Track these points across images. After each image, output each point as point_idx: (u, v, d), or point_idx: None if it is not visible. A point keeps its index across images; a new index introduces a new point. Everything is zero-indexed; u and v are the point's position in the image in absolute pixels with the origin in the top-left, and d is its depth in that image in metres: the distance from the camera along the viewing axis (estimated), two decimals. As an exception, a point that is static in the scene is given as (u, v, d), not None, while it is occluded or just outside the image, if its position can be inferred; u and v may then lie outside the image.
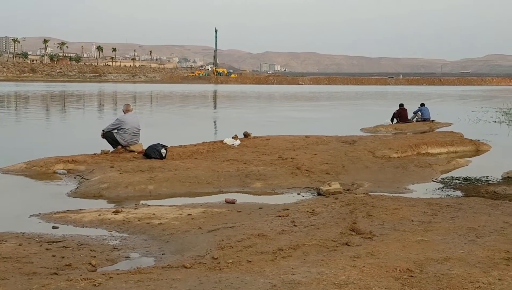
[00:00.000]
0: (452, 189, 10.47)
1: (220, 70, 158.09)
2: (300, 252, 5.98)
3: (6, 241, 6.52)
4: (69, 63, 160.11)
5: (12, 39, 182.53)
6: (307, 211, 8.01)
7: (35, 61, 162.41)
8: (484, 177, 11.64)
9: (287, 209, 8.17)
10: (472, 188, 10.49)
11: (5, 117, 28.53)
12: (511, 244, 6.06)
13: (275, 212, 7.99)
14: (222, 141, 14.65)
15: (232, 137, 14.94)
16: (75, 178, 11.00)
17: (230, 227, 7.16)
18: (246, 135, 15.95)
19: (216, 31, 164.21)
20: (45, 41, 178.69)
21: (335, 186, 9.86)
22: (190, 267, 5.55)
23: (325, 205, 8.38)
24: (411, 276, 5.01)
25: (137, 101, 45.85)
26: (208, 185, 10.44)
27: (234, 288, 4.81)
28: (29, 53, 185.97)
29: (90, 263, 5.79)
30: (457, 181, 11.33)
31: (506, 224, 6.98)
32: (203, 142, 14.70)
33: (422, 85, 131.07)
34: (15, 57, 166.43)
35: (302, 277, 5.04)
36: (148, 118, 27.69)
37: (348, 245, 6.16)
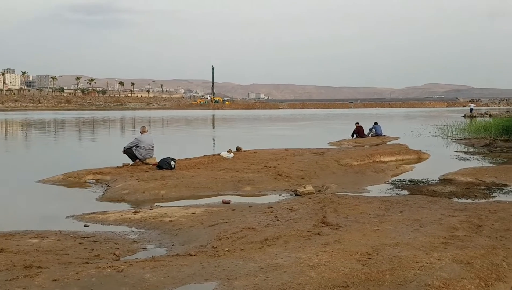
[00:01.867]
0: (400, 189, 10.46)
1: (217, 98, 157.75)
2: (282, 241, 5.94)
3: (47, 237, 6.43)
4: (97, 95, 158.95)
5: (51, 77, 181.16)
6: (287, 208, 7.97)
7: (69, 94, 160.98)
8: (425, 179, 11.62)
9: (271, 207, 8.13)
10: (416, 188, 10.49)
11: (46, 138, 28.24)
12: (447, 232, 6.06)
13: (262, 210, 7.94)
14: (219, 154, 14.57)
15: (227, 151, 14.88)
16: (102, 186, 10.89)
17: (226, 222, 7.10)
18: (238, 149, 15.90)
19: (213, 68, 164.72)
20: (78, 78, 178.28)
21: (309, 188, 9.85)
22: (194, 255, 5.49)
23: (301, 203, 8.35)
24: (370, 258, 4.99)
25: (151, 124, 45.61)
26: (209, 189, 10.37)
27: (230, 271, 4.76)
28: (64, 88, 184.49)
29: (114, 254, 5.71)
30: (404, 182, 11.32)
31: (443, 216, 6.99)
32: (204, 155, 14.61)
33: (375, 108, 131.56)
34: (54, 91, 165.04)
35: (284, 261, 5.00)
36: (160, 136, 27.55)
37: (320, 235, 6.13)
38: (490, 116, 44.45)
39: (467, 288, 4.34)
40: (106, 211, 8.31)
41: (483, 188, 10.25)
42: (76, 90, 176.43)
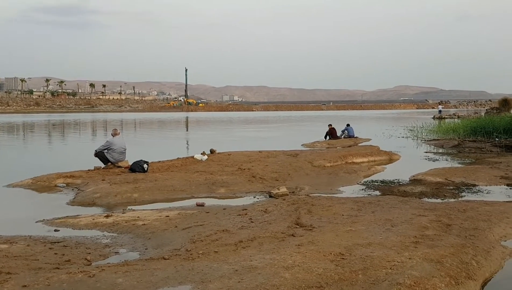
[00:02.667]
0: (372, 190, 10.59)
1: (190, 100, 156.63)
2: (256, 243, 5.94)
3: (16, 242, 6.25)
4: (67, 97, 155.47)
5: (20, 79, 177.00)
6: (261, 210, 7.98)
7: (39, 97, 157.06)
8: (396, 179, 11.77)
9: (246, 209, 8.12)
10: (387, 188, 10.63)
11: (14, 141, 27.52)
12: (418, 231, 6.18)
13: (236, 212, 7.93)
14: (192, 157, 14.49)
15: (201, 153, 14.81)
16: (73, 190, 10.67)
17: (200, 225, 7.06)
18: (212, 151, 15.84)
19: (186, 70, 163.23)
20: (47, 80, 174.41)
21: (283, 190, 9.88)
22: (168, 259, 5.44)
23: (275, 205, 8.37)
24: (343, 258, 5.05)
25: (124, 127, 44.99)
26: (182, 192, 10.28)
27: (204, 274, 4.73)
28: (34, 90, 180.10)
29: (86, 259, 5.60)
30: (376, 183, 11.46)
31: (414, 215, 7.11)
32: (178, 158, 14.51)
33: (348, 110, 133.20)
34: (23, 93, 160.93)
35: (258, 262, 5.00)
36: (133, 139, 27.19)
37: (294, 236, 6.16)
38: (458, 117, 45.59)
39: (437, 286, 4.44)
40: (77, 215, 8.14)
41: (452, 188, 10.49)
42: (45, 92, 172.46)
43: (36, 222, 7.75)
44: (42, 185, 11.11)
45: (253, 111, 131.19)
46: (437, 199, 9.28)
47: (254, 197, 9.90)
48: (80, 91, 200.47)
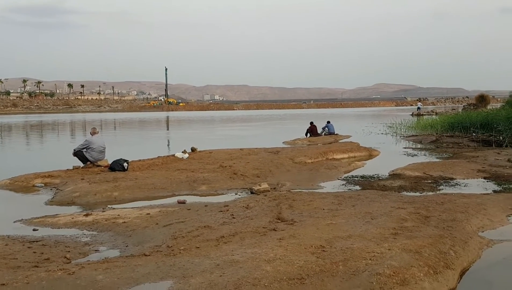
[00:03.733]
0: (352, 185, 10.68)
1: (170, 100, 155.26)
2: (238, 238, 5.95)
3: (-7, 243, 6.13)
4: (45, 98, 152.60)
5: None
6: (243, 206, 7.99)
7: (16, 98, 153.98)
8: (376, 174, 11.90)
9: (227, 205, 8.12)
10: (367, 183, 10.74)
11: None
12: (397, 223, 6.27)
13: (218, 208, 7.91)
14: (173, 155, 14.42)
15: (182, 152, 14.75)
16: (51, 189, 10.50)
17: (182, 222, 7.03)
18: (193, 149, 15.79)
19: (166, 69, 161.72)
20: (24, 81, 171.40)
21: (264, 186, 9.91)
22: (149, 255, 5.41)
23: (256, 201, 8.39)
24: (324, 250, 5.09)
25: (103, 126, 44.45)
26: (163, 190, 10.21)
27: (185, 269, 4.72)
28: (11, 91, 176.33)
29: (65, 257, 5.53)
30: (356, 178, 11.56)
31: (393, 208, 7.21)
32: (158, 156, 14.41)
33: (328, 108, 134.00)
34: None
35: (240, 257, 5.01)
36: (113, 139, 26.90)
37: (275, 230, 6.19)
38: (436, 114, 46.27)
39: (416, 276, 4.51)
40: (56, 214, 8.02)
41: (430, 181, 10.66)
42: (22, 93, 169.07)
43: (14, 222, 7.60)
44: (20, 185, 10.91)
45: (234, 110, 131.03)
46: (415, 192, 9.41)
47: (236, 194, 9.89)
48: (58, 91, 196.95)
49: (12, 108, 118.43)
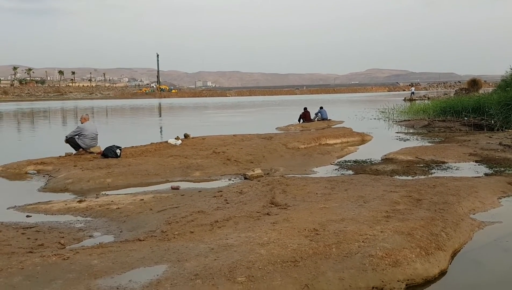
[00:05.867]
0: (345, 169, 10.71)
1: (163, 87, 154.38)
2: (232, 222, 5.97)
3: (-14, 230, 6.12)
4: (35, 85, 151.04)
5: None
6: (237, 191, 8.01)
7: (6, 85, 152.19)
8: (368, 159, 11.95)
9: (221, 191, 8.14)
10: (360, 167, 10.79)
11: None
12: (389, 206, 6.33)
13: (212, 194, 7.93)
14: (166, 142, 14.38)
15: (175, 138, 14.71)
16: (44, 176, 10.45)
17: (176, 207, 7.05)
18: (186, 136, 15.76)
19: (158, 55, 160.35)
20: (15, 68, 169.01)
21: (258, 171, 9.93)
22: (143, 240, 5.43)
23: (250, 186, 8.41)
24: (317, 233, 5.13)
25: (95, 114, 44.18)
26: (157, 176, 10.20)
27: (180, 253, 4.75)
28: (1, 78, 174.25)
29: (59, 243, 5.53)
30: (349, 163, 11.61)
31: (385, 192, 7.27)
32: (151, 143, 14.36)
33: (321, 94, 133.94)
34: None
35: (234, 240, 5.05)
36: (105, 125, 26.78)
37: (269, 215, 6.22)
38: (428, 99, 46.42)
39: (408, 257, 4.57)
40: (49, 201, 8.00)
41: (422, 165, 10.73)
42: (13, 80, 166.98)
43: (8, 208, 7.57)
44: (12, 172, 10.86)
45: (227, 96, 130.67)
46: (408, 176, 9.48)
47: (229, 180, 9.90)
48: (49, 78, 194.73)
49: (3, 96, 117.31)
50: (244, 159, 11.91)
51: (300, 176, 9.69)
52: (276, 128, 21.97)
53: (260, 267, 4.31)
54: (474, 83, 48.40)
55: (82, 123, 12.89)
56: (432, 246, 4.89)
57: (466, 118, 21.12)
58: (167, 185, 9.34)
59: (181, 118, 36.60)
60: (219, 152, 12.48)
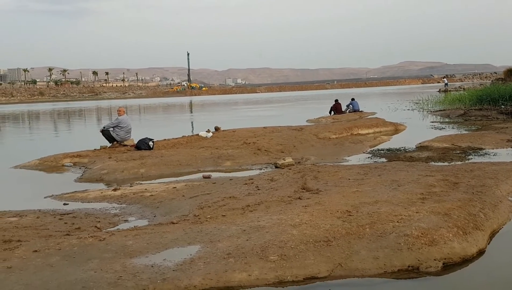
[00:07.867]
0: (378, 157, 10.55)
1: (193, 85, 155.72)
2: (263, 206, 5.97)
3: (26, 215, 6.33)
4: (70, 86, 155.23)
5: (23, 70, 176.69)
6: (268, 179, 8.00)
7: (42, 86, 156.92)
8: (402, 147, 11.72)
9: (252, 179, 8.14)
10: (394, 155, 10.59)
11: (20, 128, 27.67)
12: (424, 189, 6.19)
13: (243, 181, 7.95)
14: (197, 134, 14.51)
15: (206, 131, 14.81)
16: (80, 168, 10.73)
17: (207, 194, 7.11)
18: (216, 129, 15.83)
19: (188, 54, 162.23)
20: (50, 70, 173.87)
21: (289, 160, 9.90)
22: (177, 223, 5.49)
23: (281, 174, 8.38)
24: (350, 215, 5.07)
25: (128, 111, 44.97)
26: (188, 166, 10.31)
27: (212, 234, 4.78)
28: (37, 80, 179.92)
29: (96, 226, 5.67)
30: (382, 151, 11.41)
31: (420, 176, 7.10)
32: (183, 136, 14.53)
33: (352, 88, 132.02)
34: (26, 84, 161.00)
35: (266, 222, 5.04)
36: (138, 122, 27.25)
37: (301, 199, 6.19)
38: (464, 89, 45.13)
39: (445, 236, 4.45)
40: (86, 190, 8.21)
41: (459, 152, 10.45)
42: (49, 82, 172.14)
43: (45, 197, 7.81)
44: (50, 165, 11.18)
45: (257, 93, 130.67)
46: (443, 162, 9.24)
47: (260, 169, 9.91)
48: (83, 79, 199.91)
49: (39, 97, 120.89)
50: (275, 149, 11.89)
51: (331, 164, 9.59)
52: (306, 121, 21.79)
53: (292, 247, 4.30)
54: (511, 73, 46.72)
55: (120, 115, 13.14)
56: (470, 226, 4.75)
57: (503, 106, 20.44)
58: (199, 175, 9.42)
59: (212, 113, 36.85)
60: (249, 143, 12.49)
